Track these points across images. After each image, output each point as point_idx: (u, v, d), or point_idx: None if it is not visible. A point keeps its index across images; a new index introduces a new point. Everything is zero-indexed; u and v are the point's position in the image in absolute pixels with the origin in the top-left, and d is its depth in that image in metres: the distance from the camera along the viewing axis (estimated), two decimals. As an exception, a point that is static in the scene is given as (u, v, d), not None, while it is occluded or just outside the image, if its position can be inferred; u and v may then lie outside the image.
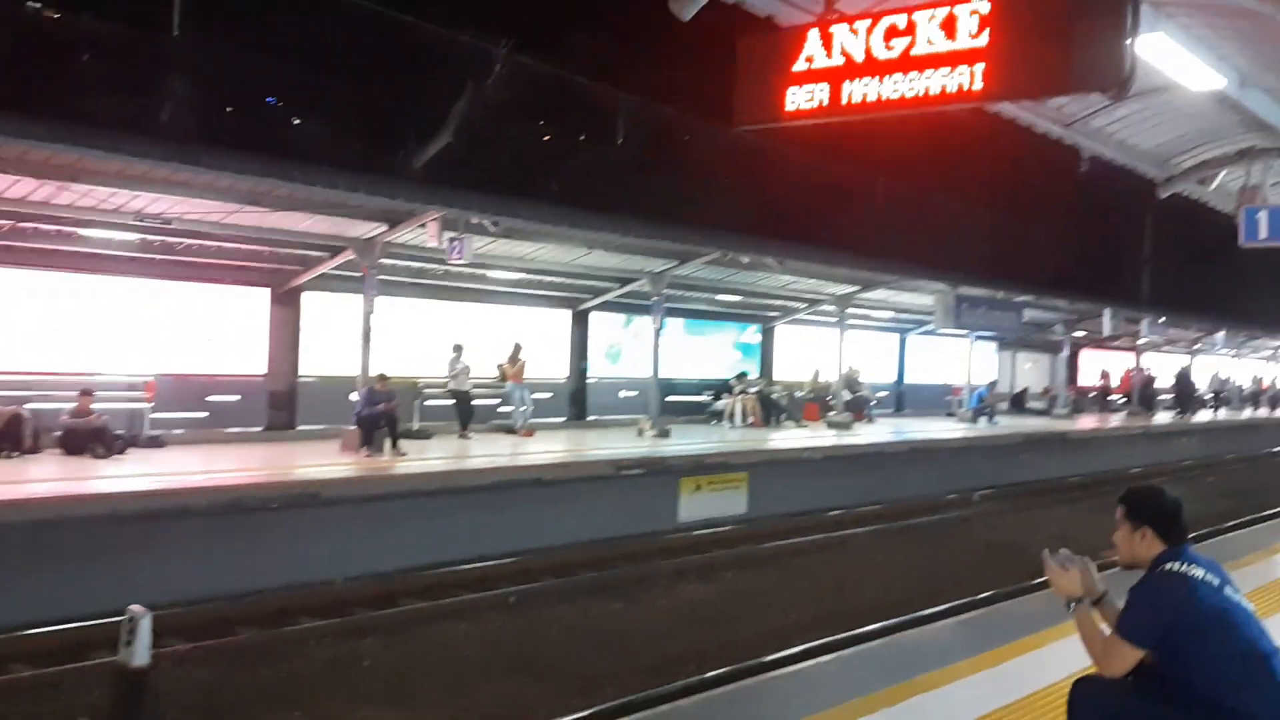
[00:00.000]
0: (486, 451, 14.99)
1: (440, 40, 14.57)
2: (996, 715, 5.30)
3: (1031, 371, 33.80)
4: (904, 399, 27.88)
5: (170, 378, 14.41)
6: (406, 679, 8.45)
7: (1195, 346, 38.16)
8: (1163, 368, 37.44)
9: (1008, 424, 25.18)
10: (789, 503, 16.61)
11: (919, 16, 4.29)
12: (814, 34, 4.62)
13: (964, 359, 26.34)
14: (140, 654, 6.41)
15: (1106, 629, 3.69)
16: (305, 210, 13.15)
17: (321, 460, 13.43)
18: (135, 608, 6.67)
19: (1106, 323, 28.21)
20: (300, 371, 16.11)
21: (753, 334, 23.90)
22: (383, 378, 14.08)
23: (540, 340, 18.72)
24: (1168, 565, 3.51)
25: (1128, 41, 3.76)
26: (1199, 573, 3.45)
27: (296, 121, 13.75)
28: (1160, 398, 34.96)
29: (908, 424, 24.10)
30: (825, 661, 6.60)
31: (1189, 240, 33.38)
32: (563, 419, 19.68)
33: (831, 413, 22.20)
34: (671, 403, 19.76)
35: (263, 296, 15.66)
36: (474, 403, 16.80)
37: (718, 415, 20.89)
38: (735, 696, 5.67)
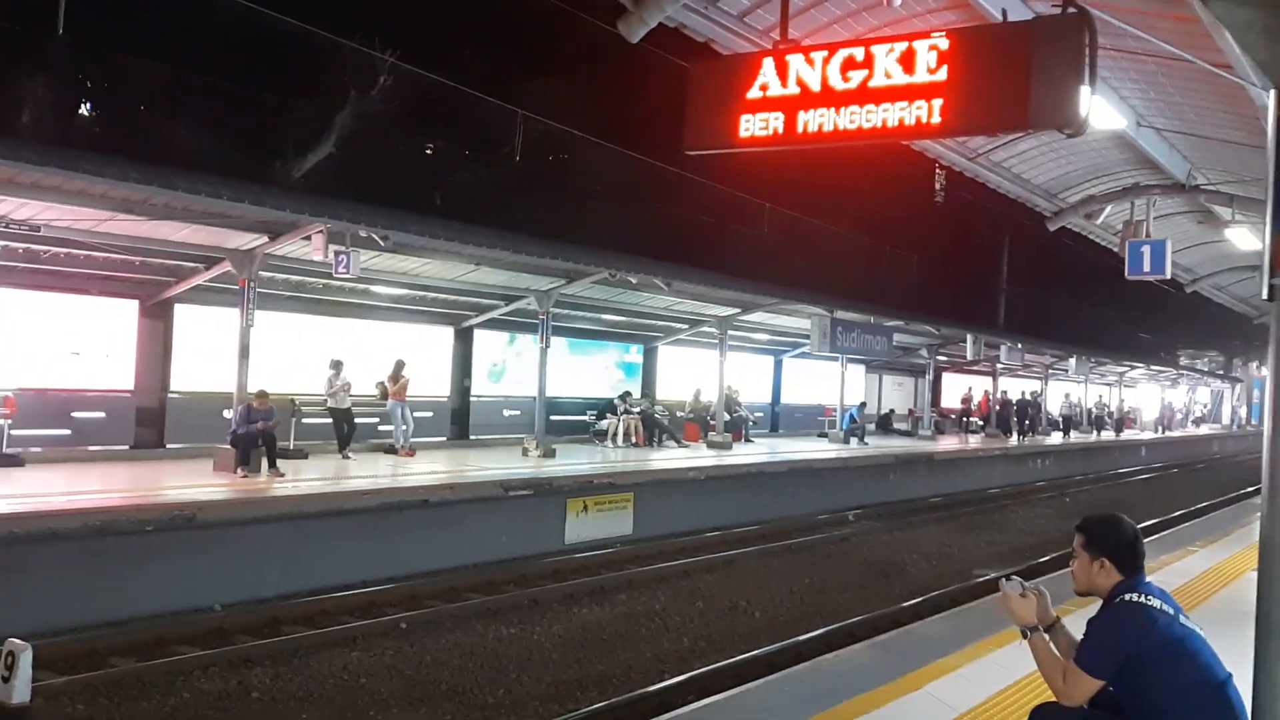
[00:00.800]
0: (368, 472, 14.58)
1: (324, 46, 14.20)
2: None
3: (897, 393, 34.86)
4: (779, 419, 28.36)
5: (31, 393, 13.58)
6: (300, 712, 8.10)
7: (1049, 371, 39.92)
8: (1018, 391, 39.08)
9: (877, 444, 25.88)
10: (674, 523, 16.67)
11: (877, 50, 4.34)
12: (769, 62, 4.62)
13: (836, 381, 26.96)
14: (20, 690, 6.00)
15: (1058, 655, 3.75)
16: (182, 220, 12.55)
17: (195, 481, 12.83)
18: (14, 641, 6.23)
19: (969, 347, 29.32)
20: (170, 387, 15.39)
21: (635, 354, 23.97)
22: (262, 394, 13.54)
23: (422, 358, 18.33)
24: (1127, 595, 3.58)
25: (1085, 80, 3.88)
26: (1156, 603, 3.54)
27: (175, 127, 13.16)
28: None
29: (784, 444, 24.53)
30: (754, 688, 6.58)
31: (1045, 267, 35.05)
32: (444, 438, 19.32)
33: (712, 433, 22.41)
34: (555, 422, 19.61)
35: (130, 309, 14.91)
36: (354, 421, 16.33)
37: (601, 435, 20.85)
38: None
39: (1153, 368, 49.28)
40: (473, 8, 20.51)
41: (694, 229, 19.27)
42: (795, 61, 4.55)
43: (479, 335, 20.00)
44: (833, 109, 4.45)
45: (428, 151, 16.65)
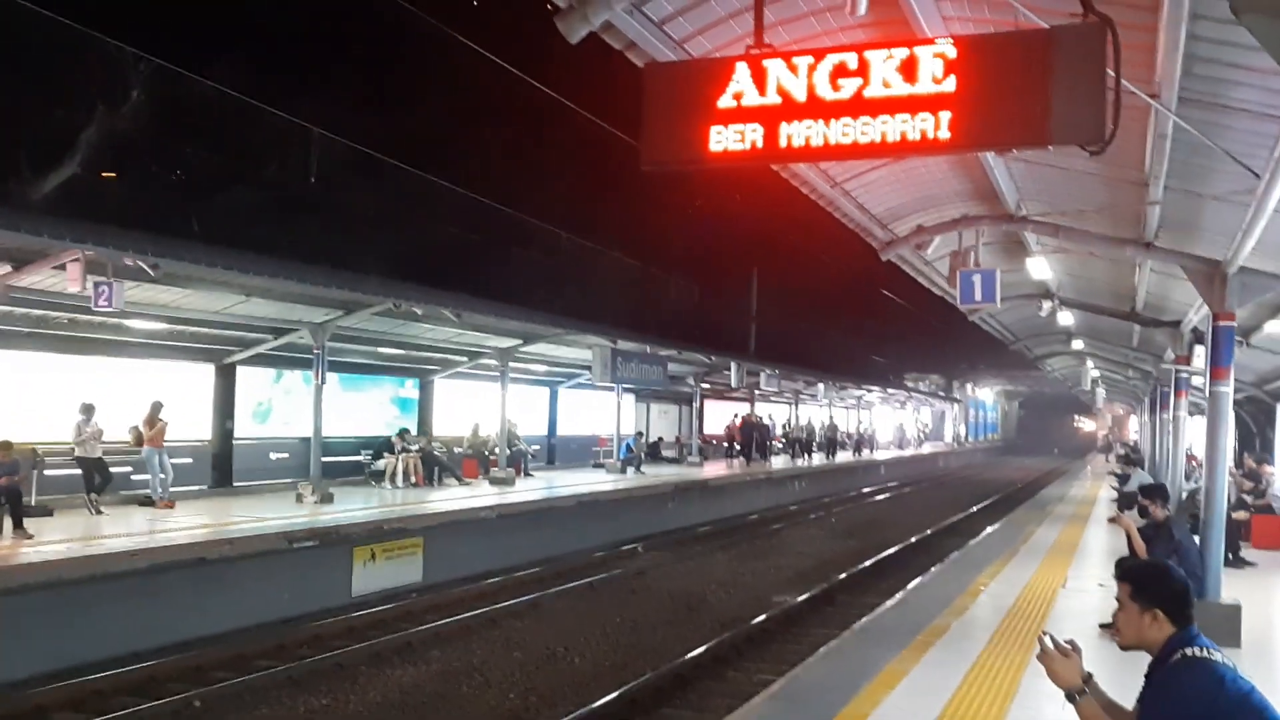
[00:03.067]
0: (127, 529, 12.95)
1: (72, 41, 12.58)
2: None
3: (662, 421, 35.21)
4: (556, 451, 27.90)
5: None
6: (93, 824, 6.85)
7: (801, 396, 41.58)
8: (777, 416, 40.53)
9: (652, 473, 25.87)
10: (465, 566, 15.89)
11: (872, 56, 3.96)
12: (743, 68, 4.15)
13: (609, 411, 26.83)
14: None
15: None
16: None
17: (-79, 549, 10.94)
18: None
19: (734, 375, 29.98)
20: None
21: (411, 388, 22.85)
22: (5, 445, 11.75)
23: (180, 398, 16.58)
24: (1187, 651, 3.31)
25: (1110, 92, 3.68)
26: (1219, 656, 3.29)
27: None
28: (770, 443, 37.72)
29: (563, 477, 24.05)
30: None
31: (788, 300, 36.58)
32: (205, 486, 17.58)
33: (494, 469, 21.64)
34: (328, 463, 18.23)
35: None
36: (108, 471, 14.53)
37: (379, 475, 19.64)
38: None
39: (888, 390, 52.37)
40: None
41: (475, 254, 18.54)
42: (775, 68, 4.12)
43: (243, 372, 18.38)
44: (822, 121, 4.07)
45: (191, 171, 15.05)
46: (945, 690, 7.25)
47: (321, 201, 16.20)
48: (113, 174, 14.50)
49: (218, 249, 12.44)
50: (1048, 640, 3.50)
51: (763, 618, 13.30)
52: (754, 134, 4.20)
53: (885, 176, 9.18)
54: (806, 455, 39.47)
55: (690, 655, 11.14)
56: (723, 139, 4.25)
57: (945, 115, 3.89)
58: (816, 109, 4.09)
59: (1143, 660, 3.57)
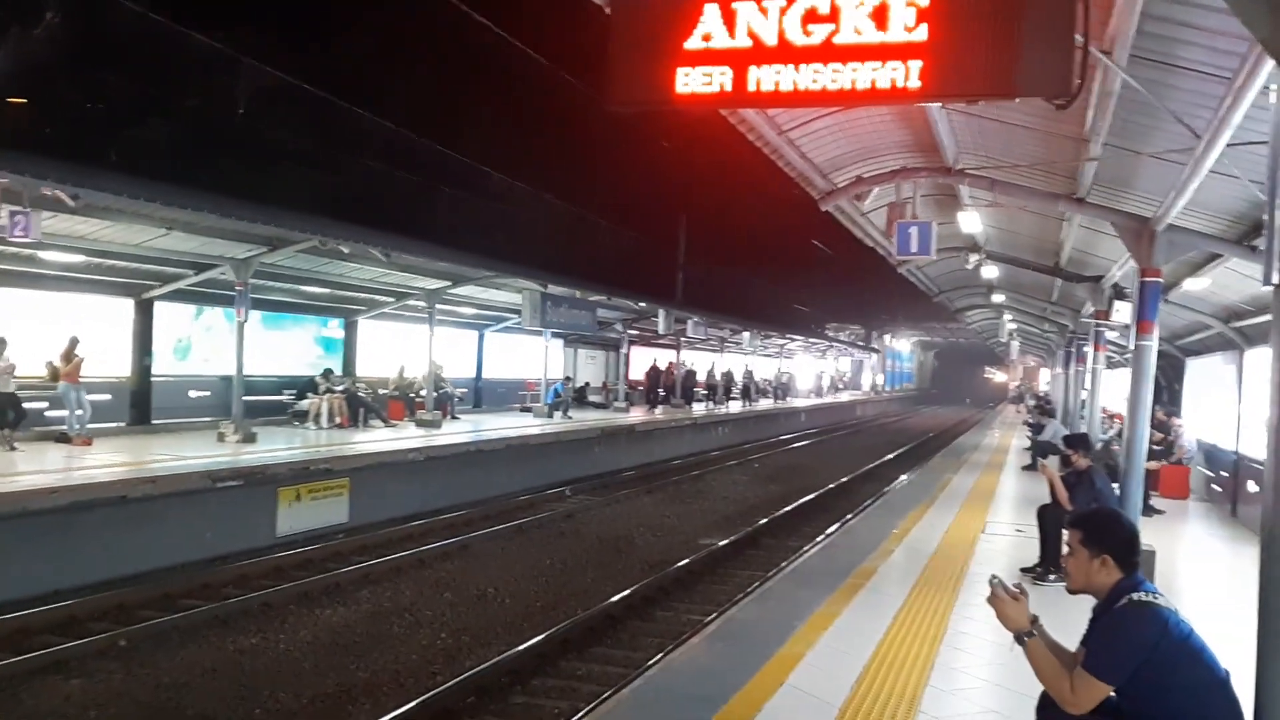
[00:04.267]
0: (43, 466, 12.60)
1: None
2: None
3: (589, 366, 35.21)
4: (482, 395, 27.73)
5: None
6: (20, 763, 6.73)
7: (727, 344, 41.85)
8: (700, 363, 40.75)
9: (579, 418, 25.90)
10: (393, 508, 15.79)
11: (844, 2, 3.89)
12: (712, 9, 4.06)
13: (537, 355, 26.73)
14: None
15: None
16: None
17: None
18: None
19: (661, 321, 30.04)
20: None
21: (335, 329, 22.45)
22: (-87, 380, 11.32)
23: (98, 334, 16.08)
24: (1133, 595, 3.43)
25: (1078, 46, 3.71)
26: (1163, 601, 3.42)
27: None
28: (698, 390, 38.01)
29: (489, 420, 23.96)
30: (625, 696, 6.10)
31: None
32: (123, 424, 17.13)
33: (421, 411, 21.47)
34: (250, 403, 17.86)
35: None
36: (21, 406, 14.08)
37: (302, 416, 19.34)
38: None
39: (810, 340, 52.99)
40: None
41: (404, 193, 18.13)
42: (745, 10, 4.06)
43: (161, 308, 17.85)
44: (791, 66, 4.03)
45: (110, 99, 14.43)
46: (876, 631, 7.45)
47: (247, 134, 15.64)
48: (23, 99, 13.85)
49: (139, 180, 11.98)
50: (997, 584, 3.61)
51: (689, 560, 13.47)
52: (722, 77, 4.16)
53: (830, 125, 9.21)
54: (725, 401, 39.49)
55: (619, 596, 11.26)
56: (690, 81, 4.20)
57: (915, 64, 3.90)
58: (786, 54, 4.06)
59: (1071, 602, 3.71)
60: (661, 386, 35.34)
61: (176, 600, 10.73)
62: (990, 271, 18.04)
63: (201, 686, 8.25)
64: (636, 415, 29.50)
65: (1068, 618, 4.02)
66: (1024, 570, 9.54)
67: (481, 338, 27.63)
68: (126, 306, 17.26)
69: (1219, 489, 15.70)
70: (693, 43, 4.19)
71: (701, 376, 39.81)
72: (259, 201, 14.62)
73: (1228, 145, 5.97)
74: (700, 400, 37.71)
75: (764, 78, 4.11)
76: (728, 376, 41.43)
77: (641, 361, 36.46)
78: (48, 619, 9.66)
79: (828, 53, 4.00)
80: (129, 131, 13.81)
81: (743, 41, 4.13)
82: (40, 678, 8.14)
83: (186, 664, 8.74)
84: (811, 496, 20.13)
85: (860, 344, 65.99)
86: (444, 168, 20.66)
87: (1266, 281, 3.90)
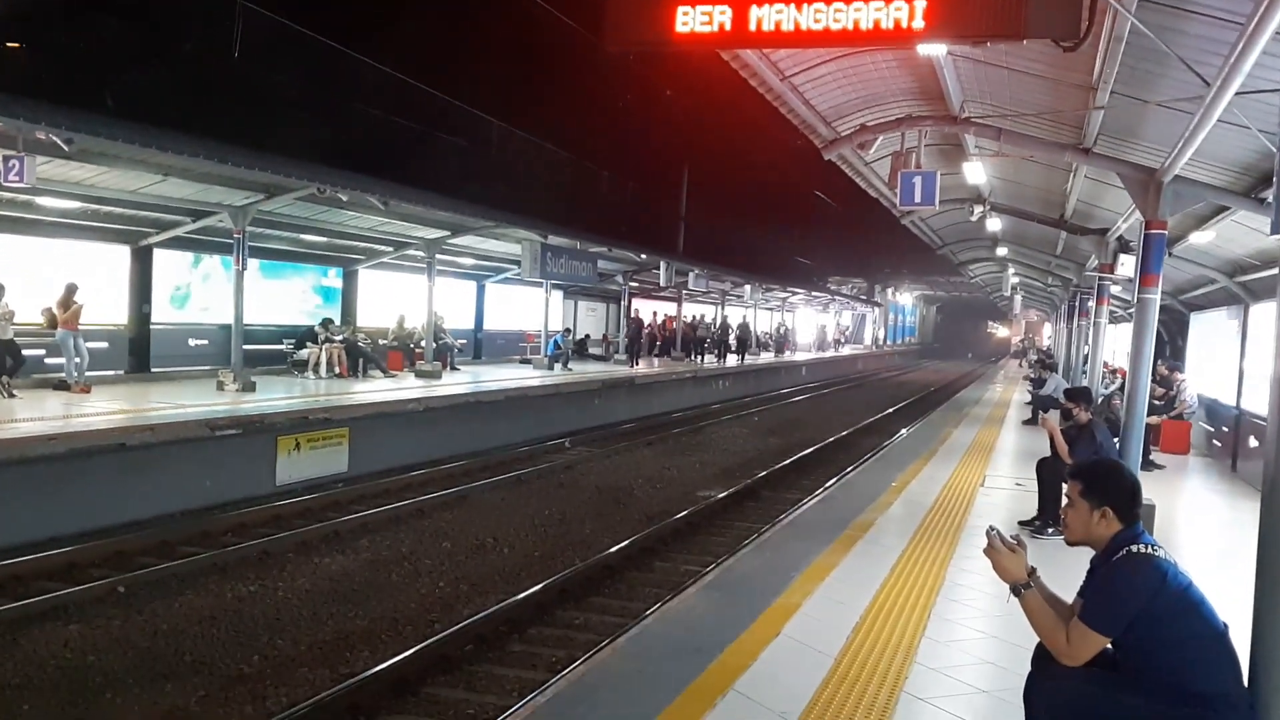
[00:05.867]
0: (43, 413, 12.57)
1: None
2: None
3: (590, 319, 35.11)
4: (482, 346, 27.68)
5: None
6: (20, 702, 6.74)
7: (728, 297, 41.66)
8: (704, 316, 40.54)
9: (579, 370, 25.86)
10: (392, 458, 15.81)
11: None
12: None
13: (537, 307, 26.63)
14: None
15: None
16: None
17: None
18: None
19: (663, 273, 29.92)
20: None
21: (334, 278, 22.33)
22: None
23: (95, 281, 15.99)
24: (1132, 547, 3.38)
25: None
26: (1162, 553, 3.37)
27: None
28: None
29: (489, 371, 23.92)
30: (622, 645, 6.10)
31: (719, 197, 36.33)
32: (122, 371, 17.10)
33: (420, 362, 21.43)
34: (249, 352, 17.79)
35: None
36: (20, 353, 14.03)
37: (301, 365, 19.29)
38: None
39: (812, 293, 52.82)
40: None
41: (403, 140, 17.92)
42: None
43: (160, 256, 17.75)
44: (793, 6, 3.92)
45: (100, 42, 14.20)
46: (873, 582, 7.44)
47: (244, 79, 15.43)
48: (17, 44, 13.66)
49: (135, 125, 11.84)
50: (995, 536, 3.57)
51: (688, 512, 13.49)
52: (722, 16, 4.04)
53: (834, 71, 9.06)
54: (719, 356, 38.07)
55: (618, 547, 11.28)
56: (689, 20, 4.08)
57: (920, 4, 3.78)
58: (790, -8, 3.95)
59: (1068, 555, 3.68)
60: (657, 339, 35.19)
61: (175, 548, 10.76)
62: (994, 224, 17.90)
63: (200, 633, 8.27)
64: (637, 368, 29.45)
65: (1065, 570, 3.99)
66: (1022, 523, 9.54)
67: (481, 289, 27.51)
68: (123, 254, 17.14)
69: (1219, 444, 15.69)
70: (693, -20, 4.08)
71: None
72: (256, 148, 14.50)
73: (1237, 93, 5.85)
74: (702, 354, 37.25)
75: (765, 17, 4.00)
76: (722, 327, 40.54)
77: (644, 314, 36.33)
78: (47, 565, 9.69)
79: (832, -9, 3.89)
80: (125, 76, 13.60)
81: (743, -21, 4.02)
82: (39, 623, 8.16)
83: (185, 611, 8.76)
84: (811, 450, 20.14)
85: (862, 298, 65.82)
86: (444, 116, 20.43)
87: (1275, 231, 3.82)
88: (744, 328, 41.19)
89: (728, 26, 4.05)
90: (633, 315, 33.50)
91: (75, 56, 13.15)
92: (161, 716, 6.70)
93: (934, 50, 6.98)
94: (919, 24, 3.80)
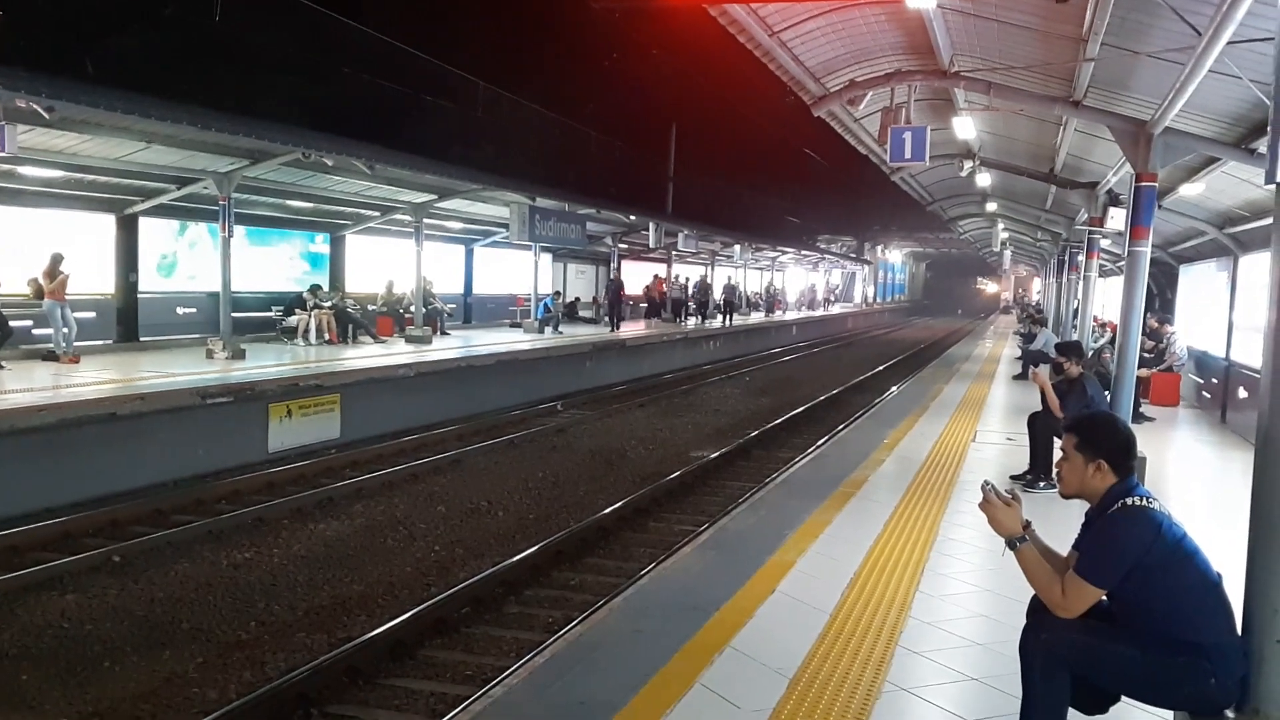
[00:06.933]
0: (31, 384, 12.51)
1: None
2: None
3: (579, 281, 35.02)
4: (472, 310, 27.60)
5: None
6: (19, 673, 6.74)
7: (718, 257, 41.53)
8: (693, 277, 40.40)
9: (570, 333, 25.81)
10: (384, 423, 15.80)
11: None
12: None
13: (527, 270, 26.54)
14: None
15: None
16: None
17: None
18: None
19: (651, 235, 29.82)
20: None
21: (321, 244, 22.19)
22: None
23: (81, 250, 15.84)
24: (1126, 500, 3.39)
25: None
26: (1156, 505, 3.38)
27: None
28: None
29: (480, 335, 23.86)
30: (618, 604, 6.12)
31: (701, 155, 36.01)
32: (110, 341, 17.03)
33: (410, 327, 21.37)
34: (238, 319, 17.70)
35: None
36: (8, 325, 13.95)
37: (290, 332, 19.21)
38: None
39: (801, 252, 52.71)
40: None
41: (388, 103, 17.73)
42: None
43: (145, 224, 17.61)
44: (782, -46, 3.88)
45: (78, 6, 13.99)
46: (867, 539, 7.48)
47: (227, 42, 15.24)
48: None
49: (116, 91, 11.70)
50: (990, 490, 3.57)
51: (681, 472, 13.52)
52: (712, -32, 4.00)
53: (822, 26, 8.96)
54: (700, 318, 37.06)
55: (612, 508, 11.31)
56: (680, -29, 4.04)
57: (913, -49, 3.75)
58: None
59: (1060, 508, 3.68)
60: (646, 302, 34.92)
61: (169, 516, 10.76)
62: (984, 179, 17.85)
63: (196, 600, 8.29)
64: (628, 330, 29.40)
65: (1058, 524, 4.01)
66: (1014, 478, 9.58)
67: (470, 252, 27.38)
68: (109, 222, 17.01)
69: (1209, 396, 15.76)
70: (679, -68, 4.02)
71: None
72: (240, 113, 14.35)
73: (1229, 43, 5.82)
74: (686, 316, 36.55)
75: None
76: (701, 287, 39.19)
77: (634, 276, 36.20)
78: (41, 535, 9.69)
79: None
80: (105, 41, 13.41)
81: (731, -70, 3.96)
82: (35, 593, 8.17)
83: (180, 578, 8.78)
84: (802, 409, 20.18)
85: (852, 256, 65.74)
86: (430, 78, 20.24)
87: (1269, 180, 3.79)
88: (730, 289, 39.99)
89: (718, -21, 4.01)
90: (612, 277, 32.91)
91: (54, 22, 12.93)
92: (160, 683, 6.72)
93: (923, 3, 6.94)
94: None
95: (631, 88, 35.89)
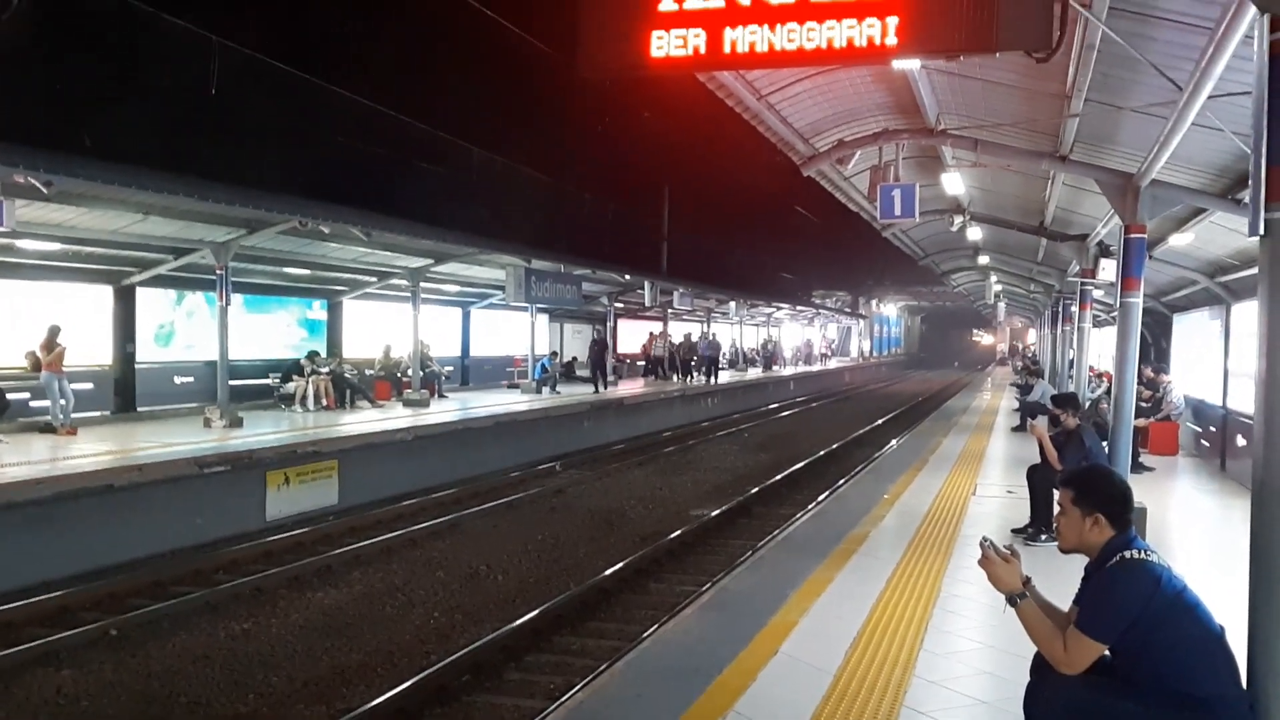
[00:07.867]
0: (28, 457, 12.49)
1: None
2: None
3: (576, 340, 35.10)
4: (469, 372, 27.63)
5: None
6: (12, 756, 6.68)
7: (713, 314, 41.68)
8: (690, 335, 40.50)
9: (567, 392, 25.83)
10: (381, 488, 15.74)
11: None
12: None
13: (523, 331, 26.62)
14: None
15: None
16: None
17: None
18: None
19: (647, 293, 29.95)
20: None
21: (319, 310, 22.28)
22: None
23: (78, 322, 15.91)
24: (1125, 553, 3.39)
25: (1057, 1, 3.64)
26: (1155, 558, 3.38)
27: None
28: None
29: (477, 398, 23.87)
30: (620, 668, 6.06)
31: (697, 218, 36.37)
32: (108, 412, 17.01)
33: (408, 390, 21.38)
34: (235, 387, 17.72)
35: None
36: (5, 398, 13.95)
37: (288, 399, 19.21)
38: None
39: (797, 307, 52.94)
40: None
41: (382, 169, 17.91)
42: None
43: (143, 294, 17.69)
44: (767, 26, 3.95)
45: (74, 82, 14.17)
46: (869, 596, 7.43)
47: (223, 115, 15.44)
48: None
49: (114, 165, 11.83)
50: (988, 546, 3.57)
51: (681, 531, 13.46)
52: (696, 39, 4.07)
53: (809, 89, 9.13)
54: (684, 376, 34.96)
55: (612, 570, 11.24)
56: (664, 44, 4.11)
57: (893, 20, 3.81)
58: (761, 13, 3.97)
59: (1062, 562, 3.67)
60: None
61: (168, 587, 10.67)
62: (975, 233, 18.00)
63: (194, 673, 8.20)
64: (625, 388, 29.41)
65: (1059, 578, 3.99)
66: (1015, 531, 9.55)
67: (467, 315, 27.50)
68: (106, 294, 17.08)
69: (1207, 444, 15.75)
70: (666, 4, 4.11)
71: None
72: (236, 183, 14.49)
73: (1210, 97, 5.91)
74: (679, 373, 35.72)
75: (739, 38, 4.03)
76: (687, 345, 36.62)
77: (630, 335, 36.30)
78: (38, 610, 9.60)
79: (803, 10, 3.93)
80: (102, 115, 13.58)
81: (716, 2, 4.04)
82: (31, 669, 8.08)
83: (178, 651, 8.69)
84: (802, 464, 20.13)
85: (847, 310, 66.00)
86: (423, 144, 20.48)
87: (1253, 232, 3.84)
88: (713, 345, 37.10)
89: (702, 49, 4.08)
90: (595, 338, 31.74)
91: (51, 97, 13.10)
92: (157, 760, 6.64)
93: (908, 65, 7.06)
94: (892, 40, 3.83)
95: (625, 150, 36.29)
